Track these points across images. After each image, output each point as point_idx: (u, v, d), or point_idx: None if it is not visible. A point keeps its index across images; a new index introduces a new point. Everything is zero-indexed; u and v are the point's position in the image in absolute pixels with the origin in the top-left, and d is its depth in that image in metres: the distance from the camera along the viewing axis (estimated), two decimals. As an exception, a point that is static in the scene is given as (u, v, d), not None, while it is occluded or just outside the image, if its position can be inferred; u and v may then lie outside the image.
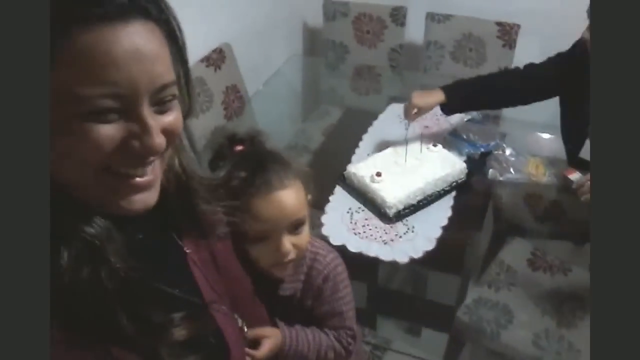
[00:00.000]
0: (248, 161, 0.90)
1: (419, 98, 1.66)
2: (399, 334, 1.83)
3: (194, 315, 0.62)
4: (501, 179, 1.63)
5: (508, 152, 1.64)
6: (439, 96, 1.65)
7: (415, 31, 2.48)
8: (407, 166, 1.59)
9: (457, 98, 1.66)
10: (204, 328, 0.66)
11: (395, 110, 2.03)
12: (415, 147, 1.64)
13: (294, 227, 0.92)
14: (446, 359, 1.65)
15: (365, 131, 1.91)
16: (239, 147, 0.94)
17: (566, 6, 2.10)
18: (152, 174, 0.56)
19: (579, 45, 1.55)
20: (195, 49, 1.98)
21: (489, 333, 1.49)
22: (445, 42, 2.40)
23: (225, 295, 0.78)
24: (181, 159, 0.68)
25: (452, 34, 2.37)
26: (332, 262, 1.01)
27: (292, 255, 0.93)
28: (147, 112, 0.52)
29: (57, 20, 0.45)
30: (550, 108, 1.73)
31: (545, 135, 1.93)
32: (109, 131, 0.50)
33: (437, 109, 1.69)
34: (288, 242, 0.91)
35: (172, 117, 0.56)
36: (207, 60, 2.03)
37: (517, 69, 1.74)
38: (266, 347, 0.92)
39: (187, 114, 0.61)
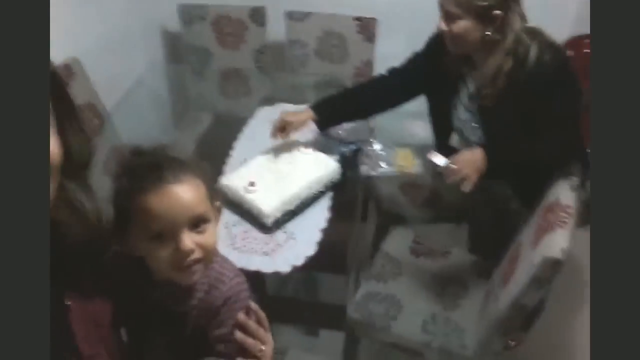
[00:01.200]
0: (143, 164, 0.84)
1: (290, 115, 1.67)
2: (296, 340, 1.81)
3: None
4: (373, 173, 1.65)
5: (377, 146, 1.66)
6: (309, 114, 1.67)
7: (276, 31, 2.44)
8: (280, 172, 1.56)
9: (326, 114, 1.69)
10: None
11: (265, 114, 1.99)
12: (286, 152, 1.61)
13: (195, 223, 0.84)
14: (345, 357, 1.65)
15: (235, 138, 1.85)
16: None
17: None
18: None
19: (433, 39, 1.61)
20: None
21: (380, 326, 1.50)
22: (308, 40, 2.39)
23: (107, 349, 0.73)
24: (88, 200, 0.65)
25: (313, 31, 2.37)
26: (237, 286, 0.94)
27: (196, 254, 0.84)
28: None
29: None
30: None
31: (415, 123, 1.98)
32: None
33: None
34: (189, 239, 0.82)
35: None
36: (53, 78, 1.84)
37: (381, 76, 1.78)
38: None
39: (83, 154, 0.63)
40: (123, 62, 2.40)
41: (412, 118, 1.89)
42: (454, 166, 1.44)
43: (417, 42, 1.79)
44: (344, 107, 1.72)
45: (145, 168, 0.83)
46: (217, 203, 0.92)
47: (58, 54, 1.88)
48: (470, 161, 1.45)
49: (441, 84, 1.60)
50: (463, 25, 1.39)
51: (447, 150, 1.72)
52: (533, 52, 1.38)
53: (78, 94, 1.95)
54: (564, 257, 1.14)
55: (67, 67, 1.91)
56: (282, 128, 1.65)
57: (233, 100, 2.44)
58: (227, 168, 1.69)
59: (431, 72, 1.60)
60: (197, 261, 0.85)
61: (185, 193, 0.83)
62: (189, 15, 2.44)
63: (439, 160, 1.49)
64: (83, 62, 2.00)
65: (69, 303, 0.68)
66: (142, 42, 2.60)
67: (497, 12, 1.36)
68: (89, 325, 0.71)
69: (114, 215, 0.85)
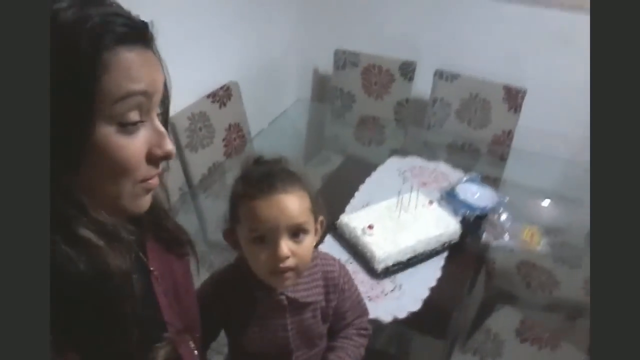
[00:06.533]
0: (258, 172, 0.91)
1: None
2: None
3: (167, 340, 0.67)
4: (495, 243, 1.60)
5: (504, 217, 1.61)
6: None
7: (422, 87, 2.49)
8: (400, 221, 1.57)
9: None
10: (171, 354, 0.67)
11: (395, 163, 2.02)
12: (410, 202, 1.62)
13: (294, 232, 0.90)
14: None
15: (362, 182, 1.89)
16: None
17: (572, 75, 2.11)
18: (157, 178, 0.63)
19: None
20: (203, 84, 2.00)
21: (469, 404, 1.43)
22: (452, 100, 2.41)
23: (181, 316, 0.76)
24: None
25: (459, 92, 2.39)
26: (340, 264, 1.07)
27: (290, 262, 0.89)
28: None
29: (105, 40, 0.54)
30: (552, 175, 1.69)
31: (545, 203, 1.90)
32: (137, 145, 0.58)
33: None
34: (286, 245, 0.88)
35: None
36: (213, 96, 2.04)
37: None
38: None
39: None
40: (275, 94, 2.58)
41: (543, 196, 1.81)
42: None
43: (562, 117, 1.73)
44: None
45: (260, 176, 0.90)
46: (321, 218, 0.97)
47: (223, 76, 2.11)
48: None
49: None
50: None
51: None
52: None
53: (231, 114, 2.13)
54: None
55: (227, 89, 2.11)
56: None
57: (365, 147, 2.49)
58: (348, 208, 1.74)
59: None
60: (290, 269, 0.90)
61: (291, 203, 0.88)
62: (342, 60, 2.57)
63: None
64: (241, 87, 2.19)
65: (152, 268, 0.72)
66: (294, 78, 2.78)
67: None
68: (167, 289, 0.75)
69: (228, 212, 0.94)
